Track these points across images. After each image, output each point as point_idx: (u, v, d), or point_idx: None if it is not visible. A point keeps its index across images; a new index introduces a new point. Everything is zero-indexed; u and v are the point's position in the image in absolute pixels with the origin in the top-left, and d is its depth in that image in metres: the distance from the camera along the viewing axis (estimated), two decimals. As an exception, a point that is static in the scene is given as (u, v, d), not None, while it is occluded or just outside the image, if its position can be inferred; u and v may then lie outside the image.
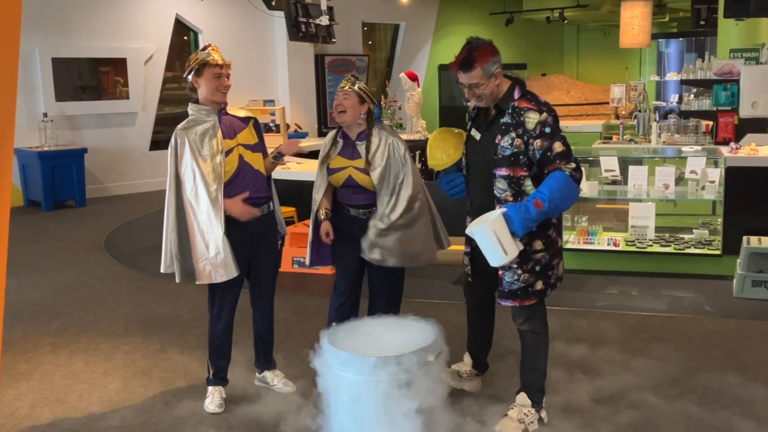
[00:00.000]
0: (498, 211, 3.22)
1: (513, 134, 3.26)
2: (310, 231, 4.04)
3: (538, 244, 3.37)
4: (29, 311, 5.55)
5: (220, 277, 3.66)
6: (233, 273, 3.67)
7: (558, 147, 3.22)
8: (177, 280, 3.79)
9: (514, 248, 3.21)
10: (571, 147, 3.29)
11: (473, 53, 3.26)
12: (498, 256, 3.20)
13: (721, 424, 3.54)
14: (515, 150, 3.26)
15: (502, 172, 3.31)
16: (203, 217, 3.63)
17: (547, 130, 3.23)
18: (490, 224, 3.15)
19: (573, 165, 3.23)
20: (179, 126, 3.74)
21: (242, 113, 3.90)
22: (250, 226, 3.75)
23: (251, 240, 3.78)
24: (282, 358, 4.39)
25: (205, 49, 3.73)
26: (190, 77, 3.73)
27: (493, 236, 3.15)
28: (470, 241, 3.59)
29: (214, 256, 3.63)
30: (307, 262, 4.10)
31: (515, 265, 3.36)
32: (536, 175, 3.31)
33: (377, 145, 3.81)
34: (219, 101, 3.74)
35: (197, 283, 3.72)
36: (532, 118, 3.23)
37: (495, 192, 3.35)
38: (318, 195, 3.94)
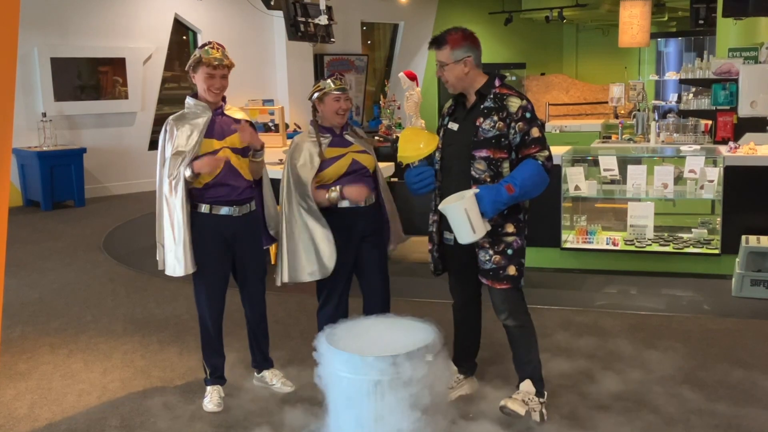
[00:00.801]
0: (471, 191, 3.32)
1: (495, 117, 3.39)
2: (283, 243, 3.85)
3: (510, 227, 3.45)
4: (28, 311, 5.54)
5: (177, 272, 3.68)
6: (189, 269, 3.66)
7: (535, 132, 3.37)
8: (159, 267, 3.80)
9: (482, 228, 3.31)
10: (547, 139, 3.43)
11: (446, 34, 3.45)
12: (466, 234, 3.31)
13: (723, 422, 3.54)
14: (497, 132, 3.39)
15: (483, 153, 3.41)
16: (175, 207, 3.64)
17: (528, 115, 3.39)
18: (462, 202, 3.25)
19: (546, 153, 3.38)
20: (172, 116, 3.73)
21: (240, 114, 3.85)
22: (231, 225, 3.75)
23: (233, 239, 3.77)
24: (281, 358, 4.40)
25: (205, 45, 3.70)
26: (189, 71, 3.73)
27: (464, 214, 3.26)
28: (433, 239, 3.70)
29: (180, 249, 3.64)
30: (286, 278, 3.86)
31: (487, 245, 3.45)
32: (514, 161, 3.42)
33: (356, 134, 3.94)
34: (210, 101, 3.72)
35: (165, 272, 3.75)
36: (514, 102, 3.39)
37: (473, 173, 3.43)
38: (309, 185, 3.77)
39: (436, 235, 3.69)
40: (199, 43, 11.94)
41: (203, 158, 3.61)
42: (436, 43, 3.46)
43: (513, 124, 3.36)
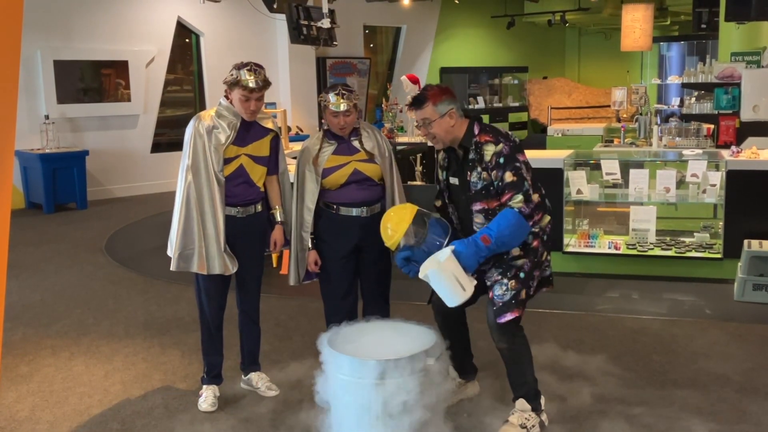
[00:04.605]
0: (447, 250, 3.19)
1: (479, 168, 3.35)
2: (292, 246, 3.93)
3: (516, 251, 3.36)
4: (30, 313, 5.55)
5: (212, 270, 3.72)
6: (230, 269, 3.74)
7: (508, 177, 3.27)
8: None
9: (469, 283, 3.19)
10: (526, 178, 3.27)
11: (425, 92, 3.41)
12: (456, 295, 3.17)
13: (725, 427, 3.54)
14: (485, 183, 3.34)
15: (477, 206, 3.39)
16: (206, 207, 3.68)
17: (501, 160, 3.29)
18: (444, 264, 3.12)
19: (519, 198, 3.23)
20: (204, 119, 3.71)
21: (270, 124, 3.86)
22: (233, 225, 3.75)
23: (233, 239, 3.76)
24: (282, 360, 4.40)
25: (243, 67, 3.65)
26: (226, 87, 3.72)
27: (450, 275, 3.14)
28: None
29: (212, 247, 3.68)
30: (292, 281, 3.94)
31: (499, 277, 3.37)
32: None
33: (370, 139, 3.86)
34: (246, 119, 3.74)
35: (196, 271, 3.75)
36: (489, 150, 3.32)
37: (474, 227, 3.41)
38: (312, 203, 3.81)
39: None
40: (202, 47, 12.03)
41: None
42: (417, 102, 3.40)
43: (491, 173, 3.30)
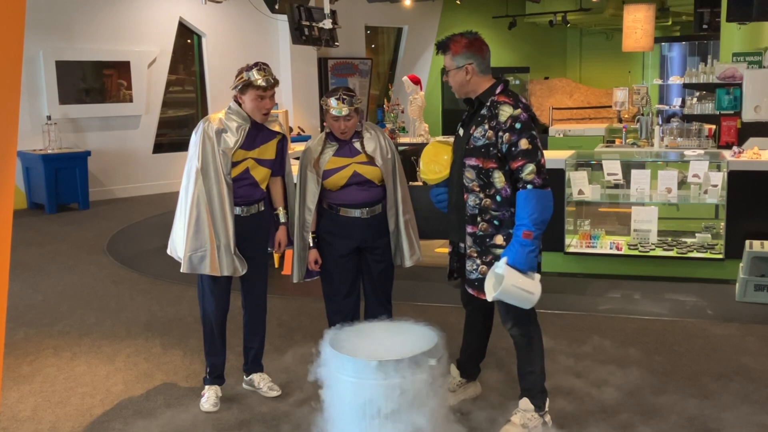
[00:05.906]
0: (502, 263, 3.22)
1: (486, 125, 3.32)
2: (295, 244, 3.97)
3: (499, 239, 3.36)
4: (32, 314, 5.56)
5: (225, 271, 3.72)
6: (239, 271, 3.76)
7: (524, 144, 3.23)
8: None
9: (534, 285, 3.22)
10: (540, 149, 3.27)
11: (449, 39, 3.42)
12: (526, 302, 3.25)
13: (725, 429, 3.54)
14: (486, 141, 3.31)
15: (472, 162, 3.36)
16: (216, 207, 3.69)
17: (518, 125, 3.25)
18: (505, 282, 3.18)
19: (531, 168, 3.20)
20: (212, 122, 3.71)
21: (277, 127, 3.88)
22: (237, 224, 3.74)
23: (237, 237, 3.75)
24: (283, 361, 4.40)
25: (251, 68, 3.69)
26: (234, 91, 3.73)
27: (514, 289, 3.20)
28: (453, 244, 3.67)
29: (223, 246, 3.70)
30: (296, 278, 3.98)
31: (475, 254, 3.40)
32: (507, 171, 3.31)
33: (372, 140, 3.85)
34: (258, 121, 3.75)
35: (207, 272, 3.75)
36: (505, 111, 3.27)
37: (464, 181, 3.40)
38: (313, 204, 3.83)
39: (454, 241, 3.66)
40: (204, 47, 12.05)
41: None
42: (440, 47, 3.45)
43: (501, 134, 3.26)
